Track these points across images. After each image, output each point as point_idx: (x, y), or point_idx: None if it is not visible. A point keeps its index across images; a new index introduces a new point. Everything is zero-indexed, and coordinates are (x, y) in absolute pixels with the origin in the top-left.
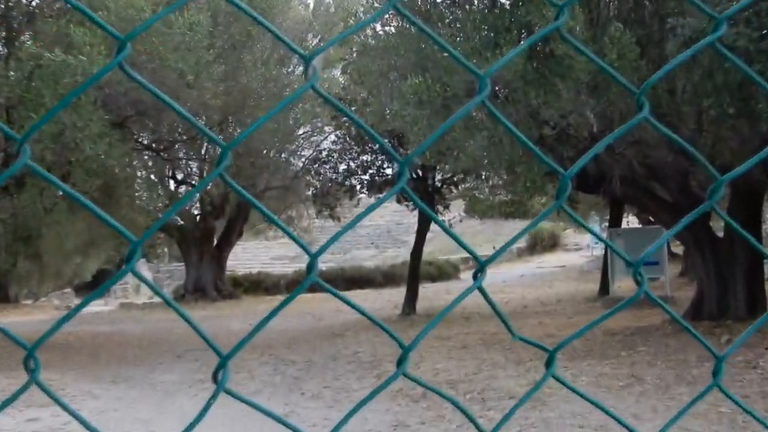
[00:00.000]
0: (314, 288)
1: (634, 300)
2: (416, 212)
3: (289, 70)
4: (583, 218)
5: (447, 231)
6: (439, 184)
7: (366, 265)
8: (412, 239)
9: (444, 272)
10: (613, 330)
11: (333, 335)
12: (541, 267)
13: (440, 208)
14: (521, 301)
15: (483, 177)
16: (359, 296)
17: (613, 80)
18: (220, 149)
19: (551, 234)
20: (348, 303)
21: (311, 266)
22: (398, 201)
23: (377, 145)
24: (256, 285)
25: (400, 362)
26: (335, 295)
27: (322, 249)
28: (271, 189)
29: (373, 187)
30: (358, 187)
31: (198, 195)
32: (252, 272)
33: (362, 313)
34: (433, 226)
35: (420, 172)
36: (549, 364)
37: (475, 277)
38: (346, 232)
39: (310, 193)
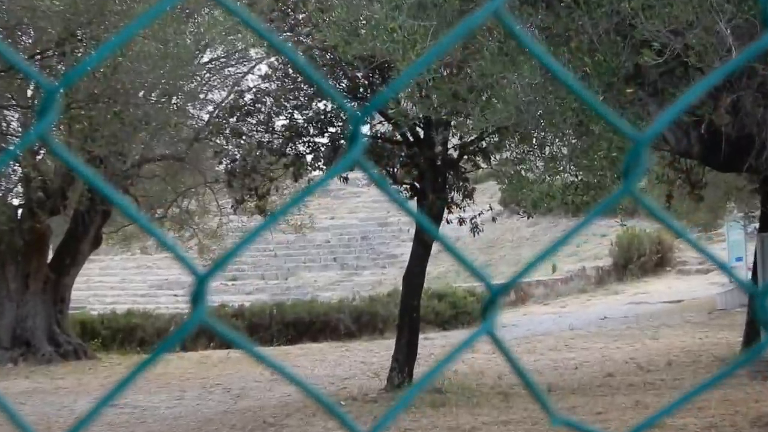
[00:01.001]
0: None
1: None
2: (413, 206)
3: None
4: (714, 214)
5: (437, 237)
6: (454, 154)
7: (323, 299)
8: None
9: (465, 312)
10: None
11: (263, 426)
12: (638, 302)
13: (456, 195)
14: (603, 363)
15: (534, 141)
16: (311, 355)
17: None
18: (45, 91)
19: (656, 244)
20: (280, 371)
21: (197, 296)
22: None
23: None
24: (126, 334)
25: None
26: (256, 355)
27: (218, 266)
28: (153, 161)
29: (336, 157)
30: (310, 157)
31: (19, 173)
32: (117, 310)
33: (305, 389)
34: (450, 229)
35: (420, 133)
36: None
37: (483, 314)
38: (266, 228)
39: (222, 168)
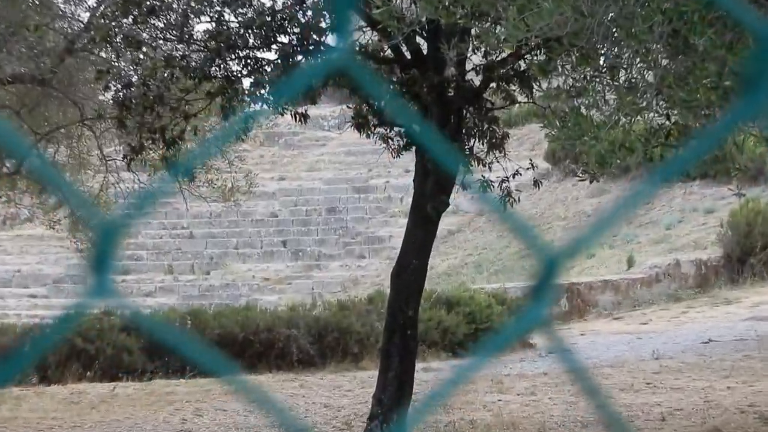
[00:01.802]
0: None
1: None
2: (409, 161)
3: None
4: None
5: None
6: (475, 80)
7: (265, 304)
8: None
9: (488, 329)
10: None
11: None
12: (762, 318)
13: (478, 145)
14: (706, 412)
15: (601, 61)
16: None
17: None
18: None
19: None
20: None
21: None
22: (358, 127)
23: None
24: None
25: None
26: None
27: None
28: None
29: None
30: (247, 82)
31: None
32: None
33: None
34: (468, 199)
35: (423, 47)
36: None
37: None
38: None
39: (109, 97)
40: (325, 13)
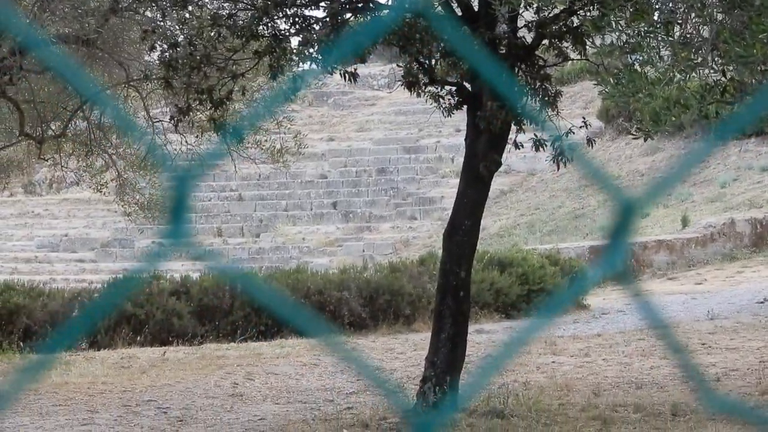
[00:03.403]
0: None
1: None
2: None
3: None
4: None
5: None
6: (527, 37)
7: (316, 267)
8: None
9: (541, 290)
10: None
11: None
12: None
13: (531, 103)
14: (762, 372)
15: (656, 15)
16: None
17: None
18: None
19: None
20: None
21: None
22: (409, 86)
23: None
24: (2, 319)
25: None
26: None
27: None
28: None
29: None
30: (296, 41)
31: None
32: None
33: None
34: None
35: (474, 2)
36: None
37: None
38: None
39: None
40: None
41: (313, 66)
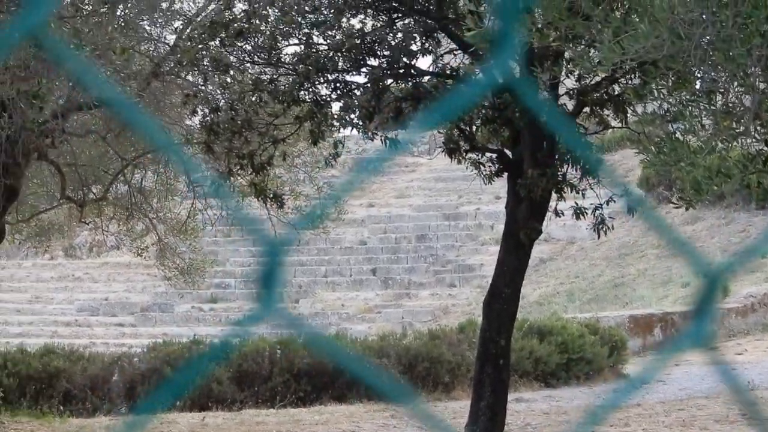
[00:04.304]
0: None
1: None
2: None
3: None
4: None
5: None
6: (568, 104)
7: (356, 334)
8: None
9: (581, 359)
10: None
11: None
12: None
13: (571, 171)
14: None
15: (698, 84)
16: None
17: None
18: None
19: None
20: None
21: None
22: (449, 153)
23: None
24: (42, 383)
25: None
26: None
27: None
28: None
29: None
30: (337, 106)
31: None
32: (28, 346)
33: None
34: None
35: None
36: None
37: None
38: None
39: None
40: (415, 35)
41: (355, 132)
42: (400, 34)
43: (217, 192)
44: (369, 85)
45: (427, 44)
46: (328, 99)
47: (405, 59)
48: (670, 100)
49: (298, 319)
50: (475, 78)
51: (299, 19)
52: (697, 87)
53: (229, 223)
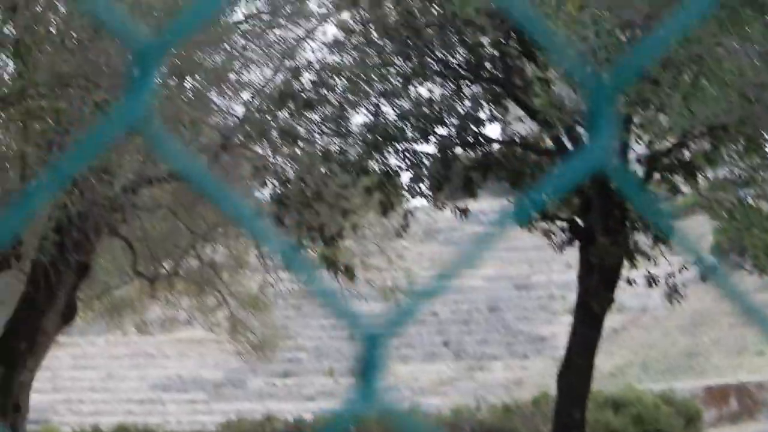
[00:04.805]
0: None
1: None
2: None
3: None
4: None
5: None
6: (639, 171)
7: (429, 407)
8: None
9: (658, 430)
10: None
11: None
12: None
13: (642, 239)
14: None
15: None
16: None
17: None
18: None
19: None
20: None
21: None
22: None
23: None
24: None
25: None
26: None
27: None
28: (156, 183)
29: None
30: (407, 176)
31: None
32: (102, 425)
33: None
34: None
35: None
36: None
37: None
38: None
39: (266, 194)
40: (483, 102)
41: (424, 202)
42: (467, 102)
43: (294, 265)
44: (438, 153)
45: (495, 111)
46: (398, 169)
47: (473, 127)
48: (741, 165)
49: (390, 405)
50: (577, 161)
51: (368, 88)
52: None
53: (307, 297)
